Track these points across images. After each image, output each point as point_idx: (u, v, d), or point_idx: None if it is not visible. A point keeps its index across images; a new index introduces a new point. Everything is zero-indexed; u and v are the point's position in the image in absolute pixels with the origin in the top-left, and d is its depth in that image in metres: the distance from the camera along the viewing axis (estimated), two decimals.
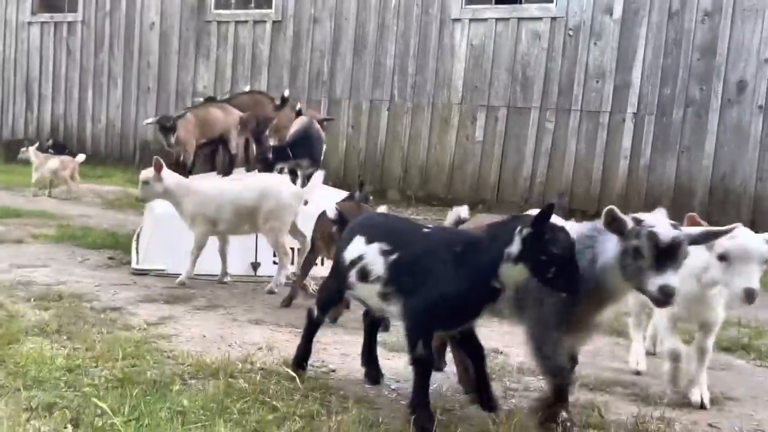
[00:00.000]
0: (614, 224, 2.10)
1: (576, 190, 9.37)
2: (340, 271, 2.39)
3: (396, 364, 2.68)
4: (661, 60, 8.79)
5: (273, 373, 2.44)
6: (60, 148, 12.63)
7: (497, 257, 2.04)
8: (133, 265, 4.56)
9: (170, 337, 2.92)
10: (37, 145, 9.46)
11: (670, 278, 1.99)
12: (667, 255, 2.01)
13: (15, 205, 7.07)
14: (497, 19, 9.71)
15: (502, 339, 3.18)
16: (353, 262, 2.28)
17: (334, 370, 2.57)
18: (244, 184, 4.33)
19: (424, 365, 2.10)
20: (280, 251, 4.10)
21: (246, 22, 11.45)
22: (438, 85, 10.17)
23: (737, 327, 3.87)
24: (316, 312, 2.57)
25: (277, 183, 4.37)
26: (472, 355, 2.26)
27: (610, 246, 2.11)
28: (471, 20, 9.88)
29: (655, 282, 1.99)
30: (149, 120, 5.21)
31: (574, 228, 2.18)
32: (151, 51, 12.23)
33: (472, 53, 9.92)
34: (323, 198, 5.87)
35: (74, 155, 9.66)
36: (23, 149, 9.09)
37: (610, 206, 2.17)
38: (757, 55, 8.30)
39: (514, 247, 2.02)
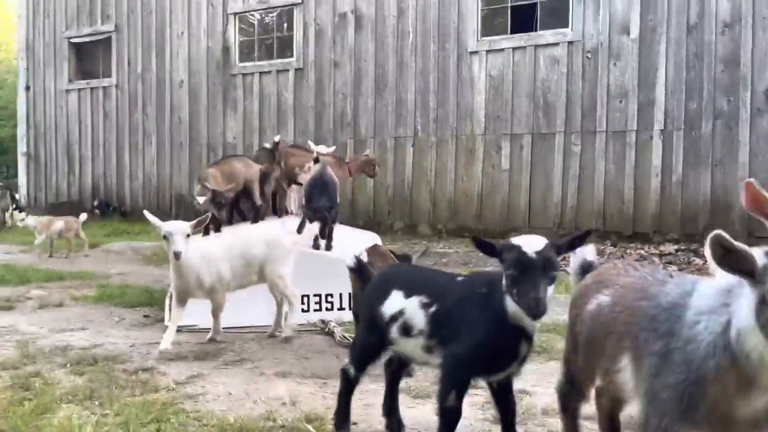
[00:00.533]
0: (731, 261, 1.44)
1: (608, 211, 9.24)
2: (378, 326, 2.33)
3: (418, 412, 2.67)
4: (684, 74, 8.70)
5: (294, 430, 2.47)
6: (105, 206, 13.13)
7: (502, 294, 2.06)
8: (166, 322, 4.67)
9: (197, 396, 2.98)
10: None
11: None
12: None
13: (57, 268, 7.34)
14: (514, 48, 9.78)
15: (530, 379, 3.13)
16: (394, 317, 2.28)
17: (355, 423, 2.58)
18: (250, 237, 4.37)
19: (453, 415, 2.11)
20: (291, 296, 4.17)
21: (269, 72, 11.81)
22: (460, 118, 10.25)
23: None
24: (352, 371, 2.47)
25: (277, 231, 4.49)
26: (504, 407, 2.25)
27: (744, 302, 1.46)
28: (488, 51, 9.98)
29: None
30: (200, 200, 5.32)
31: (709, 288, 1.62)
32: (182, 107, 12.70)
33: (491, 84, 9.99)
34: (353, 242, 5.96)
35: (117, 212, 10.09)
36: (20, 217, 9.47)
37: (717, 232, 1.48)
38: None
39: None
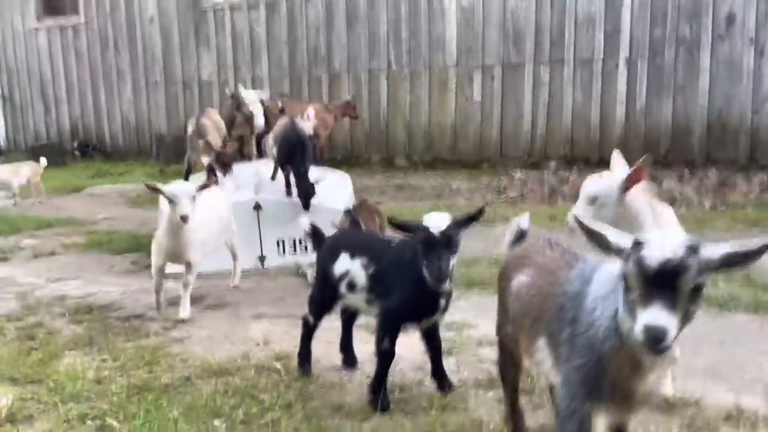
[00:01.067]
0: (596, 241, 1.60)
1: (576, 138, 9.57)
2: (330, 282, 2.76)
3: (372, 347, 3.12)
4: (649, 1, 8.80)
5: (265, 367, 2.91)
6: (84, 147, 13.24)
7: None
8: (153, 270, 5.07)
9: (182, 339, 3.41)
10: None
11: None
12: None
13: (47, 216, 7.63)
14: None
15: (475, 310, 3.56)
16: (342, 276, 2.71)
17: (318, 360, 3.03)
18: (223, 200, 4.56)
19: (387, 356, 2.56)
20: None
21: (240, 7, 11.67)
22: (432, 50, 10.34)
23: None
24: (311, 319, 2.93)
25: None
26: (431, 347, 2.70)
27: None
28: None
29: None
30: (204, 160, 5.43)
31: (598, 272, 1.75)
32: (154, 45, 12.59)
33: (462, 15, 10.02)
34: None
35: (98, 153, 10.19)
36: None
37: (573, 214, 1.80)
38: None
39: None
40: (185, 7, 12.14)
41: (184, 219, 3.67)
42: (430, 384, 2.65)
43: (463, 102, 10.26)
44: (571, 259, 1.94)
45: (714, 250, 1.46)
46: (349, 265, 2.67)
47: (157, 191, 3.81)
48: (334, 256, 2.73)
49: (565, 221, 6.19)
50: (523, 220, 2.34)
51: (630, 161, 9.57)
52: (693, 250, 1.44)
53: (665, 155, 8.93)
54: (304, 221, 2.94)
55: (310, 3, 11.07)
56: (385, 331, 2.55)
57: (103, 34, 13.07)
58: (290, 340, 3.33)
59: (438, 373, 2.67)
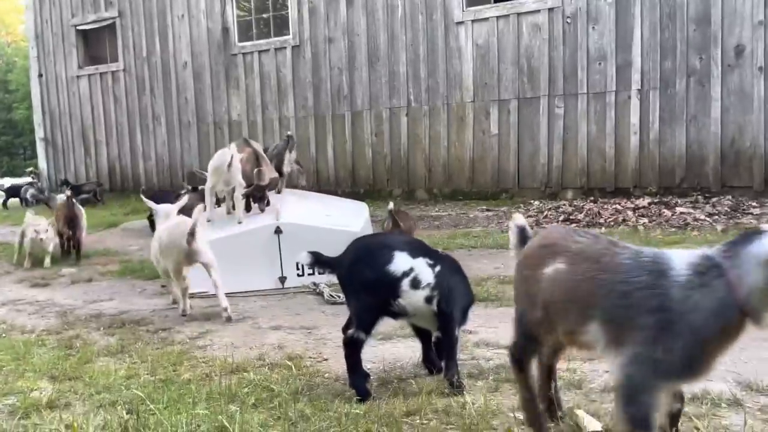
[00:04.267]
0: None
1: (592, 168, 9.78)
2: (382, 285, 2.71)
3: (378, 350, 3.36)
4: (658, 35, 9.10)
5: (278, 365, 3.17)
6: (67, 184, 13.48)
7: None
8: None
9: (205, 346, 3.70)
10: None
11: None
12: None
13: (85, 248, 8.08)
14: (498, 17, 10.20)
15: (478, 320, 3.79)
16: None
17: (327, 359, 3.28)
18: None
19: (457, 341, 2.80)
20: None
21: (268, 50, 12.33)
22: (450, 87, 10.76)
23: None
24: (363, 335, 2.72)
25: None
26: (424, 339, 2.94)
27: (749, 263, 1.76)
28: (473, 21, 10.41)
29: None
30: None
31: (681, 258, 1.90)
32: (187, 88, 13.31)
33: (478, 52, 10.45)
34: (333, 205, 6.64)
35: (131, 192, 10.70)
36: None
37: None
38: (751, 19, 8.50)
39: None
40: (216, 52, 12.86)
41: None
42: (424, 376, 2.89)
43: (480, 135, 10.59)
44: (611, 247, 2.06)
45: None
46: (412, 263, 2.71)
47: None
48: (386, 257, 2.71)
49: None
50: (518, 220, 2.44)
51: (646, 189, 9.75)
52: None
53: (680, 183, 9.07)
54: (303, 256, 2.86)
55: (333, 45, 11.66)
56: (456, 319, 2.76)
57: (139, 79, 13.88)
58: (303, 345, 3.60)
59: (428, 358, 2.92)
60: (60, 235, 7.24)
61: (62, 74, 15.06)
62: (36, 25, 15.33)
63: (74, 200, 7.43)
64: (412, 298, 2.72)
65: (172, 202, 9.08)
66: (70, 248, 7.36)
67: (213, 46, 12.89)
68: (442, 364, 2.78)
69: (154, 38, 13.55)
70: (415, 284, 2.71)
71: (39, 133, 15.68)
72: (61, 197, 9.01)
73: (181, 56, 13.28)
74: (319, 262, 2.86)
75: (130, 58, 13.95)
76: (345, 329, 2.83)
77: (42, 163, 15.69)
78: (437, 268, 2.76)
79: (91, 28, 14.50)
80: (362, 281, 2.72)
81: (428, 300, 2.73)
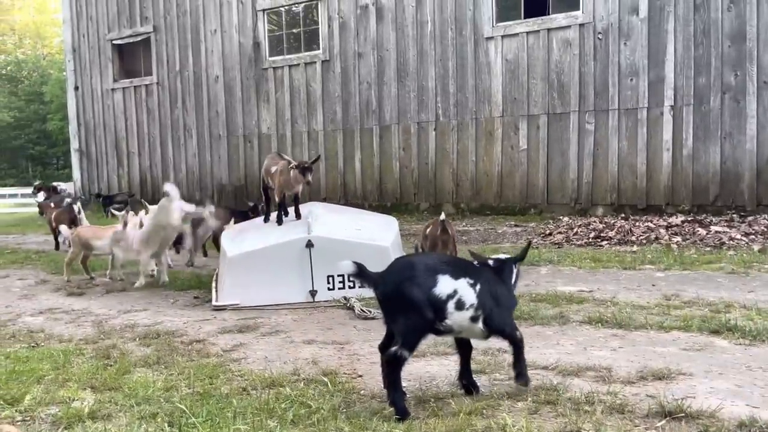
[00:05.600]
0: None
1: (622, 185, 9.68)
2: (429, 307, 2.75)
3: (412, 368, 3.35)
4: (692, 51, 9.01)
5: (313, 381, 3.18)
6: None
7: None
8: (213, 302, 5.47)
9: (240, 360, 3.73)
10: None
11: None
12: None
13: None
14: (528, 33, 10.20)
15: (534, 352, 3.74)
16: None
17: (361, 376, 3.28)
18: None
19: (522, 340, 2.91)
20: None
21: (298, 65, 12.49)
22: (479, 101, 10.76)
23: (730, 310, 4.27)
24: (407, 354, 2.72)
25: None
26: (463, 353, 2.95)
27: None
28: (503, 36, 10.42)
29: None
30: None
31: None
32: (218, 101, 13.53)
33: (507, 67, 10.44)
34: (363, 219, 6.65)
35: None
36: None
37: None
38: None
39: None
40: (247, 66, 13.06)
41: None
42: (461, 396, 2.87)
43: (509, 150, 10.56)
44: None
45: None
46: (455, 285, 2.78)
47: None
48: (430, 281, 2.76)
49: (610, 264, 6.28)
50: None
51: (678, 207, 9.64)
52: None
53: (714, 201, 8.92)
54: (347, 265, 2.86)
55: (362, 60, 11.76)
56: (510, 326, 2.90)
57: (172, 92, 14.16)
58: (337, 361, 3.61)
59: (465, 375, 2.91)
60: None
61: (97, 87, 15.43)
62: (73, 39, 15.75)
63: (75, 206, 9.00)
64: (458, 319, 2.78)
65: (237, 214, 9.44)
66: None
67: (244, 60, 13.10)
68: (513, 372, 2.92)
69: (187, 52, 13.82)
70: (460, 306, 2.76)
71: (74, 144, 16.06)
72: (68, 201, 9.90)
73: (213, 70, 13.52)
74: (362, 274, 2.86)
75: (164, 72, 14.24)
76: (383, 347, 2.82)
77: (76, 173, 16.05)
78: (478, 287, 2.80)
79: (127, 42, 14.85)
80: (409, 302, 2.74)
81: (473, 319, 2.79)
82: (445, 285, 2.75)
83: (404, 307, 2.75)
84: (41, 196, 12.12)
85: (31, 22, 42.58)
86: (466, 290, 2.78)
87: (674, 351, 3.50)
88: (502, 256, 3.11)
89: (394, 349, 2.70)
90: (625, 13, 9.42)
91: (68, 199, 10.39)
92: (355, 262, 2.84)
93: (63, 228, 8.00)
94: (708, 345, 3.58)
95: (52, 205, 10.06)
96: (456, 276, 2.79)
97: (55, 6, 40.24)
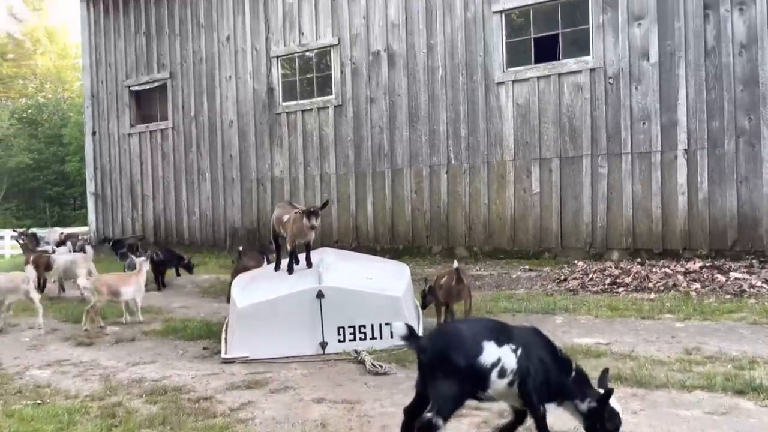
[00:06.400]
0: None
1: (638, 229, 9.54)
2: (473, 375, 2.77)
3: None
4: (704, 95, 8.98)
5: None
6: (108, 241, 13.71)
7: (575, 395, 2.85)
8: (223, 354, 5.39)
9: (247, 421, 3.64)
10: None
11: None
12: None
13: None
14: (539, 77, 10.25)
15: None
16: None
17: None
18: None
19: (544, 417, 2.88)
20: None
21: (311, 110, 12.63)
22: (490, 145, 10.77)
23: (754, 367, 4.11)
24: (442, 422, 2.70)
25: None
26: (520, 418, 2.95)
27: None
28: (514, 81, 10.48)
29: None
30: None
31: None
32: (232, 145, 13.68)
33: (518, 112, 10.47)
34: (374, 267, 6.57)
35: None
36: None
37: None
38: None
39: (584, 406, 2.85)
40: (261, 111, 13.24)
41: None
42: None
43: (521, 194, 10.51)
44: None
45: None
46: (499, 352, 2.78)
47: None
48: (477, 348, 2.78)
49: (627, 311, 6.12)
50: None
51: (696, 251, 9.45)
52: None
53: (732, 246, 8.76)
54: (399, 325, 2.91)
55: (374, 105, 11.87)
56: (537, 400, 2.81)
57: (187, 137, 14.36)
58: (347, 424, 3.50)
59: None
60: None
61: (114, 132, 15.70)
62: (92, 85, 16.11)
63: (46, 251, 9.87)
64: (498, 386, 2.79)
65: (175, 260, 9.95)
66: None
67: (258, 105, 13.29)
68: None
69: (202, 98, 14.06)
70: (502, 374, 2.78)
71: (90, 188, 16.26)
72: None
73: (228, 115, 13.71)
74: (411, 338, 2.89)
75: (179, 117, 14.47)
76: (409, 411, 2.79)
77: (91, 216, 16.21)
78: (519, 351, 2.82)
79: (144, 88, 15.15)
80: (451, 370, 2.75)
81: (510, 383, 2.82)
82: (489, 353, 2.78)
83: (448, 374, 2.76)
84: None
85: (53, 66, 43.76)
86: (508, 357, 2.80)
87: (698, 414, 3.36)
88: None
89: (429, 415, 2.66)
90: (636, 58, 9.46)
91: (87, 246, 10.86)
92: (406, 324, 2.90)
93: (81, 278, 8.10)
94: (733, 408, 3.44)
95: (30, 249, 10.84)
96: (500, 342, 2.82)
97: (76, 51, 41.42)
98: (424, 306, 6.23)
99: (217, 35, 13.75)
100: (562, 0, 10.05)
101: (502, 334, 2.86)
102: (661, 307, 6.54)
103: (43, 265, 8.85)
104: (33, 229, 14.51)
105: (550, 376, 2.84)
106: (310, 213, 5.75)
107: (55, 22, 44.83)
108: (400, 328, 2.87)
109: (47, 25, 43.94)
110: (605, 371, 3.01)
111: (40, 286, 8.98)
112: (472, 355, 2.75)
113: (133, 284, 7.11)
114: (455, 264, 5.92)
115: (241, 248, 8.68)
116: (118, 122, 15.63)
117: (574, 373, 2.88)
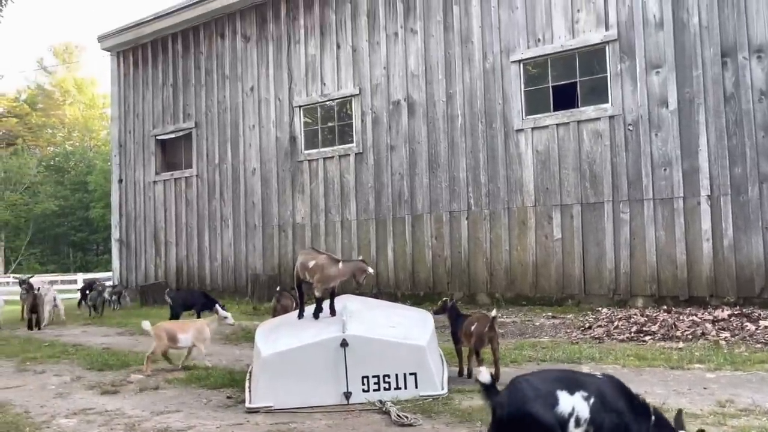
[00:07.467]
0: None
1: (662, 276, 9.43)
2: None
3: None
4: (725, 141, 9.00)
5: None
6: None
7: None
8: (247, 404, 5.37)
9: None
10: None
11: None
12: None
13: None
14: (558, 125, 10.37)
15: None
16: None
17: None
18: None
19: None
20: None
21: (332, 157, 12.85)
22: (511, 191, 10.82)
23: None
24: None
25: None
26: None
27: None
28: (533, 129, 10.60)
29: None
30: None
31: None
32: (255, 192, 13.90)
33: (538, 158, 10.55)
34: (398, 314, 6.55)
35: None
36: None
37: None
38: None
39: None
40: (284, 159, 13.49)
41: None
42: None
43: (543, 240, 10.48)
44: None
45: None
46: (573, 401, 2.80)
47: None
48: (552, 400, 2.80)
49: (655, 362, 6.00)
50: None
51: (723, 299, 9.31)
52: None
53: (760, 293, 8.61)
54: (484, 374, 2.96)
55: (394, 152, 12.05)
56: None
57: (211, 184, 14.63)
58: None
59: None
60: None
61: (140, 179, 16.07)
62: (120, 134, 16.59)
63: (36, 292, 11.46)
64: None
65: (197, 302, 10.27)
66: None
67: (281, 153, 13.55)
68: None
69: (226, 146, 14.39)
70: (578, 423, 2.79)
71: (115, 235, 16.54)
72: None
73: (251, 163, 13.99)
74: (491, 390, 2.94)
75: (203, 165, 14.79)
76: None
77: (115, 262, 16.43)
78: (592, 400, 2.82)
79: (169, 137, 15.56)
80: (531, 427, 2.77)
81: None
82: (565, 404, 2.80)
83: (530, 428, 2.77)
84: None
85: (81, 116, 45.11)
86: (581, 406, 2.81)
87: None
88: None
89: None
90: (655, 105, 9.54)
91: (110, 288, 11.70)
92: (492, 374, 3.00)
93: (145, 323, 8.10)
94: None
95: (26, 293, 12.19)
96: (572, 391, 2.83)
97: (104, 101, 42.78)
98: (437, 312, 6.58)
99: (242, 86, 14.16)
100: (580, 49, 10.23)
101: (573, 382, 2.88)
102: (691, 356, 6.41)
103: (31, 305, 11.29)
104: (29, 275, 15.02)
105: (627, 423, 2.82)
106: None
107: (84, 73, 46.48)
108: (484, 377, 2.93)
109: (76, 76, 45.56)
110: (680, 412, 2.98)
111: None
112: (550, 407, 2.79)
113: (191, 331, 7.28)
114: (494, 312, 5.88)
115: (279, 288, 9.04)
116: (144, 170, 16.01)
117: (653, 417, 2.86)
